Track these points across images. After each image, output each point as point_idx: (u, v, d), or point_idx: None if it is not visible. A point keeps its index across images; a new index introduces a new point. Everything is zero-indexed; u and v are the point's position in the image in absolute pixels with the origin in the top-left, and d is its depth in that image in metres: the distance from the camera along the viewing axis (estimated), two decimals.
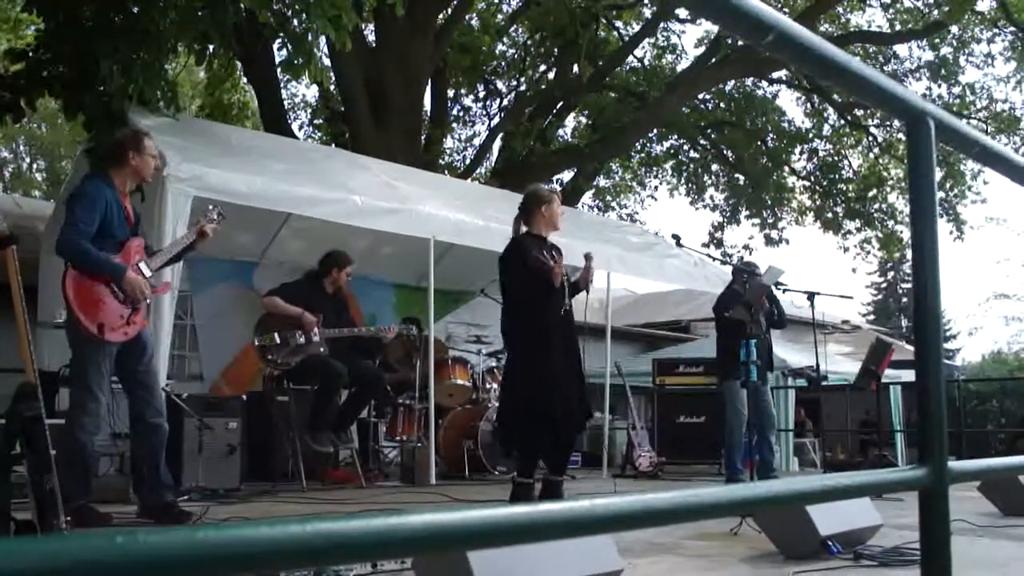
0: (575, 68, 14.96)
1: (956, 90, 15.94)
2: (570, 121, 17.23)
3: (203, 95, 16.31)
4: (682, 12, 15.76)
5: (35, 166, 28.08)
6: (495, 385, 8.21)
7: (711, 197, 18.07)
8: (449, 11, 13.01)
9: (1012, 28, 14.65)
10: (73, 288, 4.19)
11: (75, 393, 4.34)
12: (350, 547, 0.68)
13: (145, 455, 4.45)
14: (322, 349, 6.59)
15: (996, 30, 15.25)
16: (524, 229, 5.19)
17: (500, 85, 17.18)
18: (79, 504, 4.14)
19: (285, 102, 14.72)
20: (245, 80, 14.36)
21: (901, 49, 16.18)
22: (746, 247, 17.63)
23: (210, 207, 4.97)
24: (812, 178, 17.35)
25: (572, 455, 8.95)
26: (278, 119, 12.30)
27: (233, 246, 8.56)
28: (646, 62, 16.85)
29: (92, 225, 4.21)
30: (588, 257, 5.28)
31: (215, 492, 5.68)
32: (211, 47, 6.64)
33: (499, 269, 5.18)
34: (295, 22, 6.61)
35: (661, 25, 16.13)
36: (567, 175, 16.11)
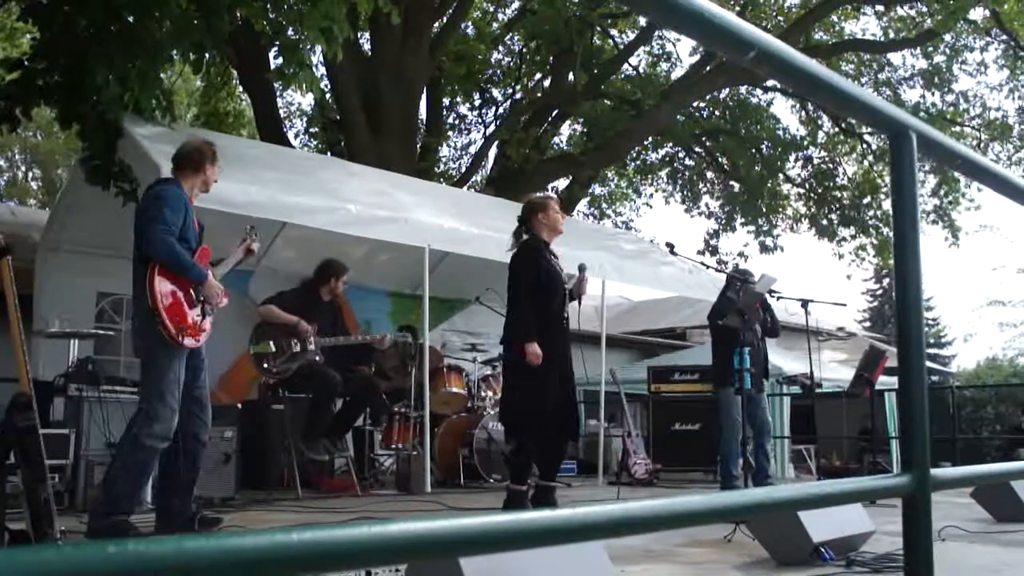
0: (570, 76, 15.00)
1: (949, 98, 16.02)
2: (565, 129, 17.30)
3: (199, 104, 16.33)
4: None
5: (31, 175, 28.05)
6: (490, 393, 8.22)
7: (706, 204, 18.14)
8: (444, 20, 13.06)
9: (1004, 37, 14.73)
10: (160, 289, 4.11)
11: (146, 399, 4.12)
12: (342, 555, 0.70)
13: (187, 472, 4.28)
14: (318, 357, 6.60)
15: (989, 39, 15.33)
16: (526, 238, 5.20)
17: (495, 93, 17.23)
18: (120, 519, 4.00)
19: (281, 111, 14.75)
20: (241, 89, 14.39)
21: (895, 57, 16.28)
22: (741, 254, 17.68)
23: (247, 226, 5.21)
24: (807, 185, 17.41)
25: (567, 462, 9.00)
26: (274, 128, 12.33)
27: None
28: (641, 70, 16.91)
29: (176, 227, 4.18)
30: (582, 268, 5.35)
31: (210, 501, 5.68)
32: (207, 56, 6.66)
33: (511, 272, 5.16)
34: (290, 31, 6.64)
35: (656, 33, 16.19)
36: (562, 183, 16.14)
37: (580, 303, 5.38)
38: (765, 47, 1.04)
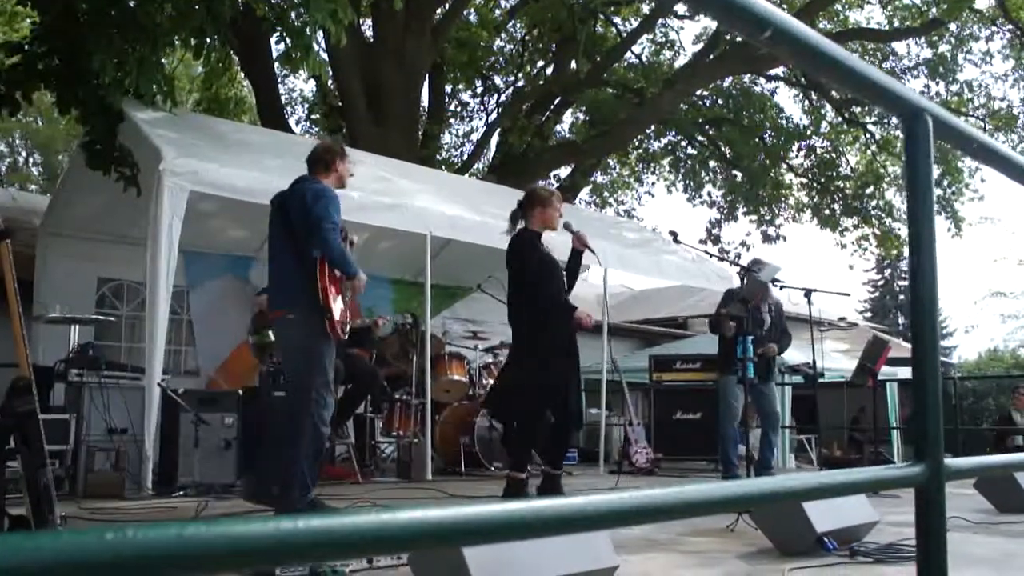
0: (573, 64, 14.93)
1: (954, 88, 15.95)
2: (568, 117, 17.24)
3: (200, 89, 16.26)
4: (681, 8, 15.74)
5: (31, 160, 28.01)
6: (491, 381, 8.21)
7: (708, 194, 18.09)
8: (447, 6, 12.99)
9: (1010, 26, 14.65)
10: (331, 288, 4.35)
11: (315, 388, 4.34)
12: (345, 543, 0.68)
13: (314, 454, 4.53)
14: None
15: (995, 28, 15.24)
16: (521, 225, 5.19)
17: (498, 81, 17.17)
18: (313, 498, 4.39)
19: (282, 97, 14.70)
20: (243, 75, 14.34)
21: (899, 46, 16.20)
22: (743, 244, 17.66)
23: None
24: (809, 175, 17.35)
25: (569, 451, 8.99)
26: (275, 114, 12.28)
27: (229, 241, 8.56)
28: (644, 58, 16.84)
29: (339, 226, 4.40)
30: (567, 226, 5.28)
31: (211, 487, 5.67)
32: (208, 41, 6.61)
33: (507, 259, 5.16)
34: (292, 15, 6.59)
35: (659, 21, 16.11)
36: (564, 171, 16.11)
37: (591, 251, 5.29)
38: (781, 26, 1.01)
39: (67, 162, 13.50)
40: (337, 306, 4.38)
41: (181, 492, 5.58)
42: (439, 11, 12.88)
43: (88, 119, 6.36)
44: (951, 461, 1.31)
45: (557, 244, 5.43)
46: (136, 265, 6.67)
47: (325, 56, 11.37)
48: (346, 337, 4.56)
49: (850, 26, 15.83)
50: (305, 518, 0.63)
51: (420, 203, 7.38)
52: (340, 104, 13.03)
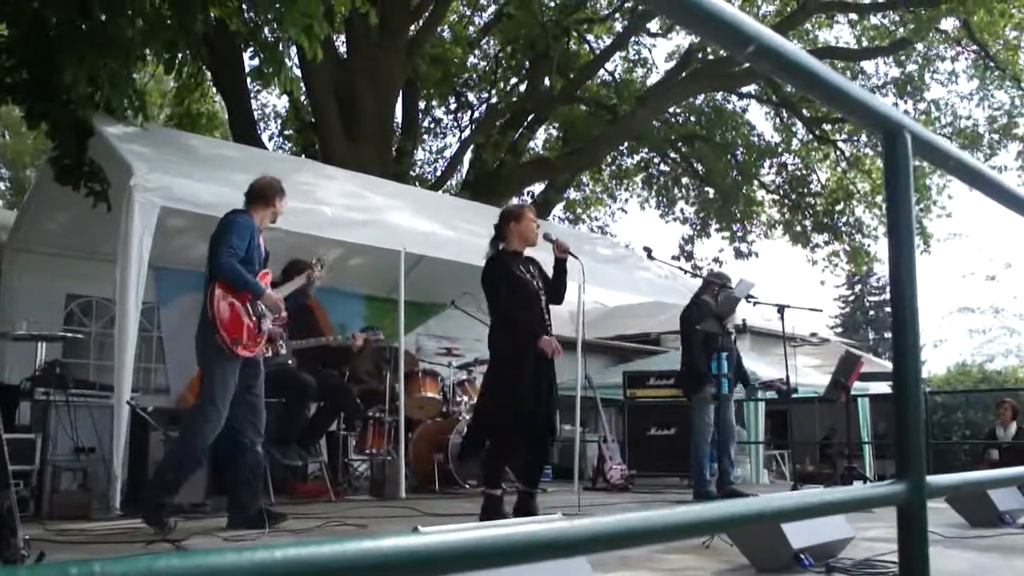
0: (546, 81, 15.01)
1: (922, 106, 16.19)
2: (541, 133, 17.31)
3: (172, 104, 16.14)
4: (654, 26, 15.88)
5: None
6: (466, 398, 8.17)
7: (681, 210, 18.21)
8: (421, 23, 13.01)
9: (974, 47, 14.91)
10: (219, 306, 4.73)
11: (201, 400, 4.74)
12: (322, 573, 0.65)
13: (241, 474, 4.87)
14: (290, 361, 6.51)
15: (960, 48, 15.52)
16: (501, 247, 5.19)
17: (471, 97, 17.21)
18: (161, 501, 4.61)
19: (255, 112, 14.62)
20: (215, 90, 14.26)
21: (868, 65, 16.43)
22: (716, 260, 17.78)
23: (315, 258, 6.01)
24: (781, 192, 17.52)
25: (544, 469, 8.95)
26: (247, 129, 12.21)
27: (200, 257, 8.45)
28: (617, 75, 16.95)
29: (241, 251, 4.76)
30: (547, 236, 5.24)
31: (180, 507, 5.58)
32: (180, 56, 6.55)
33: (483, 288, 5.18)
34: (266, 31, 6.56)
35: (632, 39, 16.24)
36: (538, 187, 16.14)
37: (573, 256, 5.19)
38: (764, 41, 1.01)
39: (35, 177, 13.35)
40: (235, 324, 4.72)
41: None
42: (413, 27, 12.89)
43: (57, 134, 6.28)
44: (933, 479, 1.30)
45: (544, 260, 5.38)
46: (105, 281, 6.58)
47: (298, 72, 11.34)
48: (245, 353, 4.78)
49: (819, 45, 16.04)
50: (282, 548, 0.60)
51: (394, 219, 7.35)
52: (313, 120, 12.99)
